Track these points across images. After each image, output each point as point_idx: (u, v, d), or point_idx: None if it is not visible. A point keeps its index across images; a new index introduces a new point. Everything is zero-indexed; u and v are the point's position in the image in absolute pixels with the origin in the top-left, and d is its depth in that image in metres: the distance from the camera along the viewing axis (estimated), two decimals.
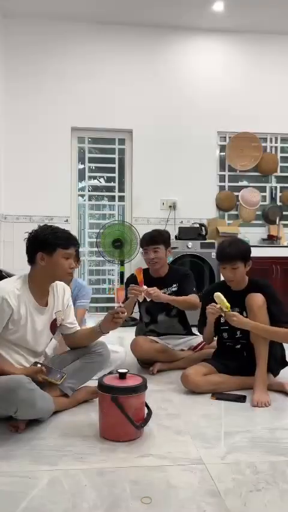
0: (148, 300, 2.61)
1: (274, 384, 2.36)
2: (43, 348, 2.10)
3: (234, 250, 2.37)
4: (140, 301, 2.65)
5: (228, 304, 2.26)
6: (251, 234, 4.87)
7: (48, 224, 2.06)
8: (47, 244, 1.95)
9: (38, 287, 2.00)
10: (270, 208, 5.08)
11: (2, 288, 1.90)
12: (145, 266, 3.00)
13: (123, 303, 2.41)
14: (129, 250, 4.42)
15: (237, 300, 2.34)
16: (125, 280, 3.08)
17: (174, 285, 2.86)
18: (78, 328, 2.23)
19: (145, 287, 2.58)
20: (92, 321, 3.77)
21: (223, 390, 2.33)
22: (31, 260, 2.00)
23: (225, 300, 2.27)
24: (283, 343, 2.44)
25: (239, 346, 2.46)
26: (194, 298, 2.74)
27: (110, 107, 4.86)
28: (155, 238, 2.85)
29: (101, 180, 5.30)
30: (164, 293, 2.81)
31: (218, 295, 2.30)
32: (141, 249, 2.95)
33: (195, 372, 2.35)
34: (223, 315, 2.29)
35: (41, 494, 1.38)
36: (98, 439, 1.78)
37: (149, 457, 1.63)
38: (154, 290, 2.60)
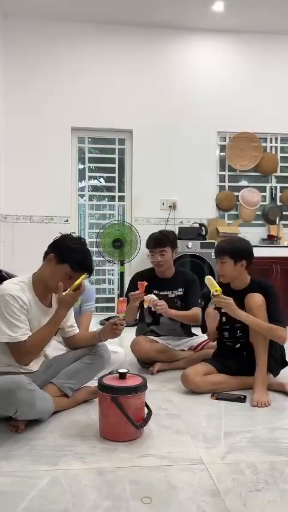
0: (153, 309, 2.62)
1: (274, 384, 2.37)
2: (46, 349, 2.11)
3: (225, 246, 2.43)
4: (145, 307, 2.67)
5: (219, 288, 2.25)
6: (251, 234, 4.87)
7: (83, 240, 2.06)
8: (62, 254, 1.95)
9: (42, 288, 2.00)
10: (270, 208, 5.08)
11: (13, 288, 1.90)
12: (147, 266, 3.01)
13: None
14: (129, 250, 4.42)
15: (238, 300, 2.34)
16: (130, 280, 3.05)
17: (180, 289, 2.86)
18: (77, 331, 2.24)
19: (153, 296, 2.60)
20: (91, 321, 3.74)
21: (223, 390, 2.33)
22: (45, 256, 2.00)
23: (215, 284, 2.26)
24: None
25: (238, 346, 2.46)
26: (196, 313, 2.73)
27: (110, 107, 4.86)
28: (162, 241, 2.81)
29: (101, 180, 5.31)
30: (169, 295, 2.83)
31: (209, 278, 2.28)
32: (147, 250, 2.94)
33: (195, 372, 2.35)
34: (212, 298, 2.27)
35: (41, 494, 1.38)
36: (98, 439, 1.78)
37: (149, 457, 1.63)
38: (162, 304, 2.60)
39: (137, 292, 2.56)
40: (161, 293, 2.83)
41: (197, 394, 2.31)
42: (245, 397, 2.26)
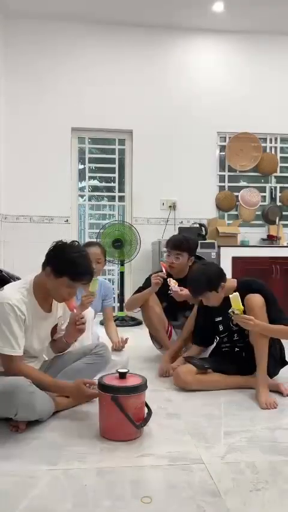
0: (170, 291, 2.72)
1: (270, 385, 2.36)
2: (44, 353, 2.11)
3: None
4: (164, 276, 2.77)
5: (242, 307, 2.19)
6: (250, 234, 4.88)
7: (77, 245, 1.99)
8: (58, 267, 1.90)
9: (42, 294, 1.98)
10: (270, 208, 5.09)
11: (12, 296, 1.87)
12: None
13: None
14: (129, 250, 4.42)
15: (224, 303, 2.33)
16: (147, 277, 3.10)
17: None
18: (61, 335, 2.21)
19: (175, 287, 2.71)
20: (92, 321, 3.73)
21: (215, 389, 2.34)
22: (44, 266, 1.95)
23: (240, 303, 2.20)
24: (282, 344, 2.45)
25: (237, 350, 2.47)
26: None
27: (110, 107, 4.86)
28: (181, 244, 2.82)
29: (101, 180, 5.31)
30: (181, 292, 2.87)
31: (236, 295, 2.20)
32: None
33: (187, 371, 2.36)
34: (232, 316, 2.21)
35: (41, 494, 1.38)
36: (98, 439, 1.78)
37: (149, 457, 1.63)
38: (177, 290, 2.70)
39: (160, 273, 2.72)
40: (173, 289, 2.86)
41: (197, 394, 2.31)
42: (208, 367, 2.36)
